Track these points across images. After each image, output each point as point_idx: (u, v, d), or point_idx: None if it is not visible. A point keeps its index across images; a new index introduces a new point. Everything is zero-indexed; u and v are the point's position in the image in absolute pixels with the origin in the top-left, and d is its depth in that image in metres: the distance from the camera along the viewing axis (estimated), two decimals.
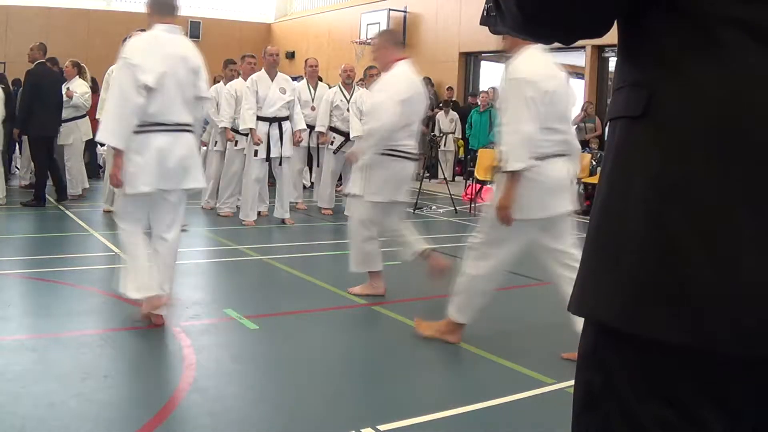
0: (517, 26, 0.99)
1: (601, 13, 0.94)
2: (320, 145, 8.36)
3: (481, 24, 1.11)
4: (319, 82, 8.90)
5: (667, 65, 0.90)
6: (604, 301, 0.92)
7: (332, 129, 8.19)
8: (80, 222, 6.81)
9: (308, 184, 9.84)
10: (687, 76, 0.88)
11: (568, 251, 3.52)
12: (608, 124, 1.01)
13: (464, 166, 12.00)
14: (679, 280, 0.85)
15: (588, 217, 1.02)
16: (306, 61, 9.15)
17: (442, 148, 12.30)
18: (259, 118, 7.18)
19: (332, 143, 8.19)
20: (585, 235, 1.01)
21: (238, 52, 9.38)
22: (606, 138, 1.03)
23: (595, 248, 0.96)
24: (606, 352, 0.95)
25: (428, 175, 12.08)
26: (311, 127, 8.33)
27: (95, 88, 9.12)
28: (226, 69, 8.60)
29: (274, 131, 7.25)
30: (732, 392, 0.88)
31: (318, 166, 8.90)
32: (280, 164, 7.38)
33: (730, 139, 0.84)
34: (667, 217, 0.87)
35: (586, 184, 9.34)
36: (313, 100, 8.57)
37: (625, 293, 0.89)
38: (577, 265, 0.98)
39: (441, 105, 12.99)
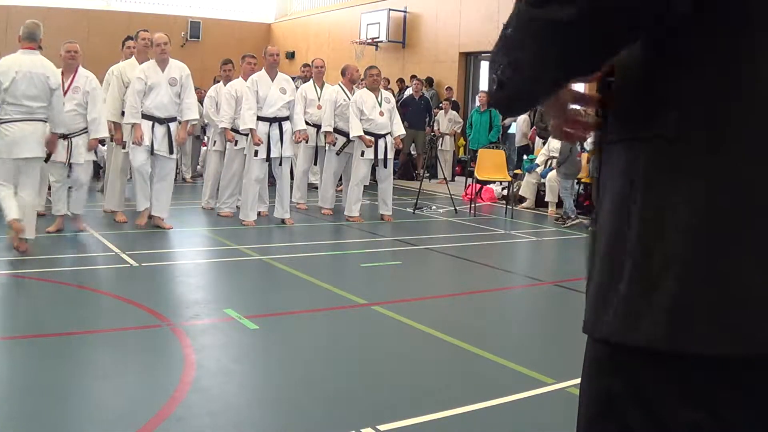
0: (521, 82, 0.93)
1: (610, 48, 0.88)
2: (327, 144, 8.35)
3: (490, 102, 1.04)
4: (325, 83, 8.96)
5: (699, 84, 0.85)
6: (646, 326, 0.87)
7: (334, 130, 8.18)
8: None
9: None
10: (724, 93, 0.84)
11: (25, 185, 5.38)
12: (615, 143, 0.95)
13: (464, 166, 12.00)
14: (731, 297, 0.83)
15: (588, 217, 1.00)
16: (312, 61, 9.19)
17: (440, 148, 12.29)
18: (259, 119, 7.19)
19: (334, 144, 8.19)
20: (598, 254, 0.96)
21: (238, 52, 9.38)
22: (609, 156, 0.96)
23: (627, 273, 0.90)
24: (627, 358, 0.91)
25: (428, 174, 12.08)
26: (318, 126, 8.35)
27: None
28: (221, 70, 8.63)
29: (275, 131, 7.26)
30: (765, 397, 0.86)
31: (315, 164, 8.92)
32: (280, 164, 7.39)
33: None
34: (719, 240, 0.83)
35: (585, 184, 9.33)
36: (319, 99, 8.64)
37: (672, 315, 0.85)
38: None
39: (440, 105, 12.99)
